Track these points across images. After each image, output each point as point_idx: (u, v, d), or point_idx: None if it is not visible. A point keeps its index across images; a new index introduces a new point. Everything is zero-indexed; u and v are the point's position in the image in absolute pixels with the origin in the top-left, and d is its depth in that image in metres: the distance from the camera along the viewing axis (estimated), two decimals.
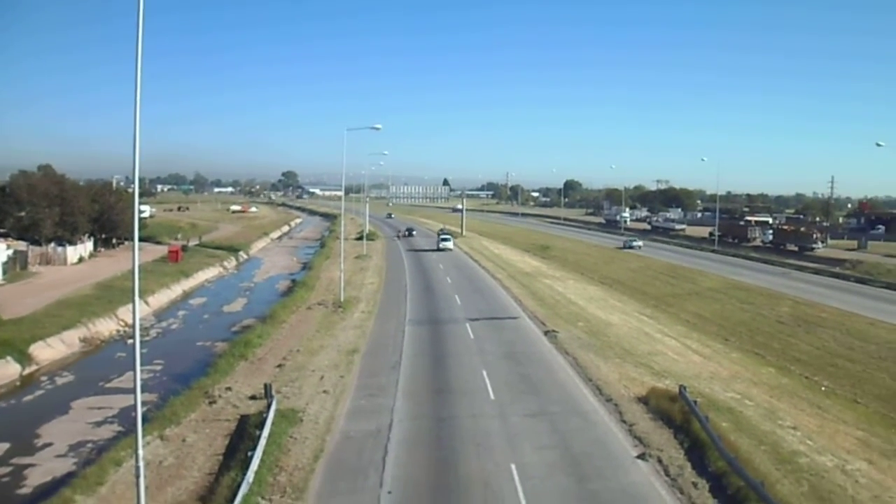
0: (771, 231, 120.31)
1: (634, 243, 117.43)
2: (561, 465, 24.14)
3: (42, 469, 27.05)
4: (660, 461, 24.54)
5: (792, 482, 22.52)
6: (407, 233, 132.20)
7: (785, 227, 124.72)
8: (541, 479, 22.87)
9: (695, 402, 28.29)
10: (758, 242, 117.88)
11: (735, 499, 21.29)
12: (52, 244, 78.77)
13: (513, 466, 23.74)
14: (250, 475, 21.77)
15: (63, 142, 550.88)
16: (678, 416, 28.08)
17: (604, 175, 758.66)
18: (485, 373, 35.56)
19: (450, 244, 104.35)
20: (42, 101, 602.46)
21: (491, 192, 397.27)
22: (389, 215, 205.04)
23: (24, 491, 25.26)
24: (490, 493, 21.92)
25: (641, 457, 24.98)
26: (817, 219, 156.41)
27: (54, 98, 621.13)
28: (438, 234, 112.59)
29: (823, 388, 37.93)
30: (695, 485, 22.52)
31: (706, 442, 25.15)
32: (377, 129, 58.60)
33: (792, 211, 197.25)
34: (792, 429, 28.54)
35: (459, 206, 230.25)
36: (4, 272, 64.75)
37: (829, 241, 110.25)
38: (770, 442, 26.28)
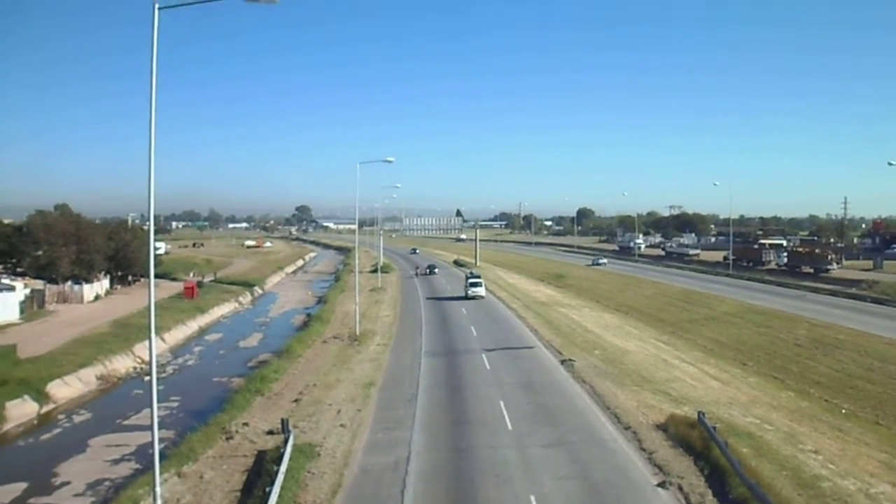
0: (785, 254, 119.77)
1: (601, 261, 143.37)
2: (581, 494, 23.92)
3: None
4: (680, 489, 24.30)
5: None
6: (428, 270, 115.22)
7: (799, 249, 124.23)
8: None
9: (714, 427, 28.04)
10: (773, 265, 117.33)
11: None
12: (69, 282, 79.41)
13: (532, 498, 23.55)
14: None
15: (77, 180, 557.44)
16: (698, 442, 27.84)
17: (616, 202, 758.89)
18: (502, 403, 35.41)
19: (481, 291, 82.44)
20: (56, 138, 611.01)
21: (504, 222, 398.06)
22: (414, 251, 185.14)
23: None
24: None
25: (662, 485, 24.73)
26: (831, 240, 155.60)
27: (68, 135, 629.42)
28: (466, 278, 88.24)
29: (844, 411, 37.51)
30: None
31: (727, 468, 24.89)
32: (390, 161, 59.20)
33: (806, 233, 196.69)
34: (813, 453, 28.22)
35: (463, 237, 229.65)
36: (22, 311, 65.28)
37: (845, 262, 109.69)
38: (791, 466, 25.98)
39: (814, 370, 47.34)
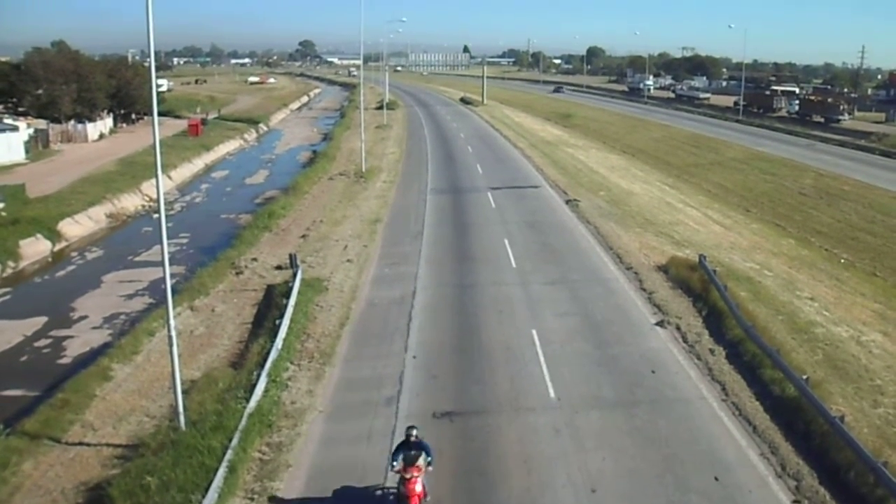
0: (797, 101, 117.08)
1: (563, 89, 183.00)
2: (581, 330, 24.72)
3: (80, 340, 28.00)
4: (678, 328, 25.03)
5: (807, 351, 23.00)
6: None
7: (811, 97, 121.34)
8: (561, 343, 23.51)
9: (714, 271, 28.53)
10: (783, 113, 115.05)
11: (750, 366, 21.83)
12: (72, 122, 78.58)
13: (534, 332, 24.36)
14: (279, 342, 22.52)
15: (73, 16, 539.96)
16: (697, 284, 28.41)
17: (627, 42, 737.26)
18: (506, 241, 35.91)
19: None
20: None
21: (512, 60, 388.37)
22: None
23: (65, 361, 26.24)
24: (511, 356, 22.61)
25: (660, 324, 25.48)
26: (845, 90, 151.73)
27: None
28: None
29: (843, 261, 38.03)
30: (712, 351, 23.05)
31: (724, 310, 25.54)
32: None
33: (820, 81, 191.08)
34: (809, 300, 28.86)
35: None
36: (27, 151, 64.96)
37: (857, 113, 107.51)
38: (787, 312, 26.64)
39: (816, 219, 47.62)
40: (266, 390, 19.81)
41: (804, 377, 19.48)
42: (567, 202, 46.27)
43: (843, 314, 27.54)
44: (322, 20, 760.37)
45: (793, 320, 25.80)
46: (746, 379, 21.16)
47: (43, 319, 30.12)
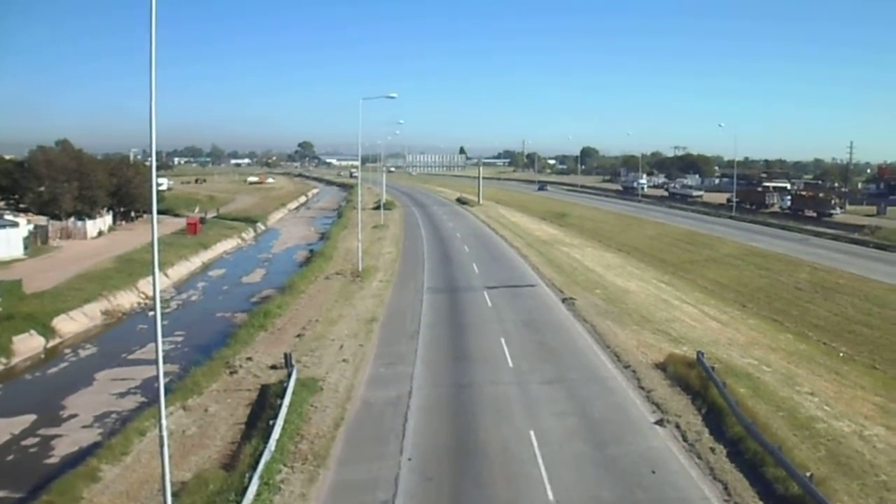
0: (789, 197, 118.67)
1: (547, 187, 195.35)
2: (579, 430, 24.36)
3: (69, 440, 27.54)
4: (678, 427, 24.69)
5: (809, 447, 22.63)
6: None
7: (803, 192, 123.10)
8: (559, 444, 23.12)
9: (712, 367, 28.35)
10: (776, 208, 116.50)
11: (752, 463, 21.45)
12: (72, 218, 79.26)
13: (531, 433, 23.98)
14: (272, 443, 22.14)
15: (79, 116, 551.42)
16: (696, 381, 28.17)
17: (620, 142, 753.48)
18: (503, 340, 35.76)
19: None
20: (56, 73, 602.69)
21: (507, 160, 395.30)
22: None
23: (52, 461, 25.75)
24: (509, 459, 22.18)
25: (659, 422, 25.15)
26: (836, 184, 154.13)
27: (67, 70, 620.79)
28: None
29: (841, 354, 37.84)
30: (712, 450, 22.68)
31: (724, 407, 25.25)
32: (392, 97, 58.82)
33: (810, 177, 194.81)
34: (810, 394, 28.58)
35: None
36: (26, 247, 65.29)
37: (848, 207, 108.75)
38: (788, 408, 26.34)
39: (813, 313, 47.57)
40: (258, 493, 19.37)
41: (808, 474, 19.12)
42: (563, 300, 46.28)
43: (844, 408, 27.21)
44: (321, 122, 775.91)
45: (793, 416, 25.49)
46: (749, 478, 20.76)
47: (32, 417, 29.71)
